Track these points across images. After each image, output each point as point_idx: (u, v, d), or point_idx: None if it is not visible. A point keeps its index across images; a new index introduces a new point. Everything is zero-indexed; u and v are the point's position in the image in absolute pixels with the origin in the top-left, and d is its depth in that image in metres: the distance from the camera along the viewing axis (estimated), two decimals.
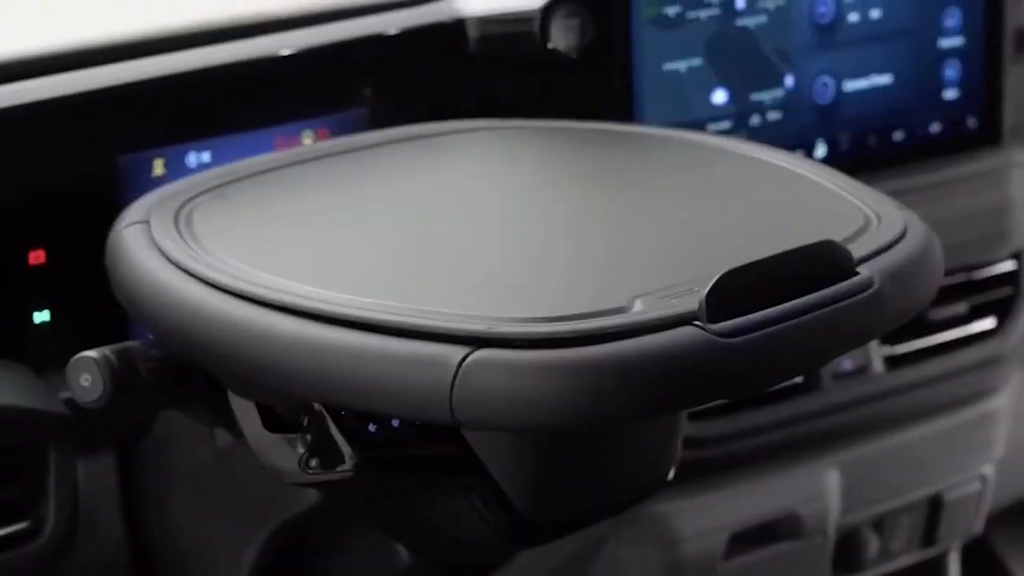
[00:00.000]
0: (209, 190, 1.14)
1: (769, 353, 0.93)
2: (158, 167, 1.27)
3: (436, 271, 1.02)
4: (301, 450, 1.06)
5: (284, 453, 1.07)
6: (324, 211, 1.14)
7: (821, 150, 1.55)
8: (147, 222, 1.08)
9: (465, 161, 1.26)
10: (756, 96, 1.51)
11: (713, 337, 0.90)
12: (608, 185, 1.21)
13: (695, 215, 1.13)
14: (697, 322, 0.90)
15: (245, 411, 1.08)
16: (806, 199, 1.16)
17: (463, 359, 0.89)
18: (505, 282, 1.00)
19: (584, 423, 0.91)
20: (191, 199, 1.12)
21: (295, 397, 1.05)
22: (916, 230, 1.08)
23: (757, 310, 0.93)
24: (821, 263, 0.98)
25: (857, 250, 1.02)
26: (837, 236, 1.03)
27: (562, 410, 0.89)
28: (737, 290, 0.93)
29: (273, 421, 1.07)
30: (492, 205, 1.16)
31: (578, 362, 0.89)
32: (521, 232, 1.09)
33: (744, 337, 0.91)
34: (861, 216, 1.09)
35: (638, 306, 0.93)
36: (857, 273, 0.99)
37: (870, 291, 0.98)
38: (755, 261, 0.95)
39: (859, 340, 1.03)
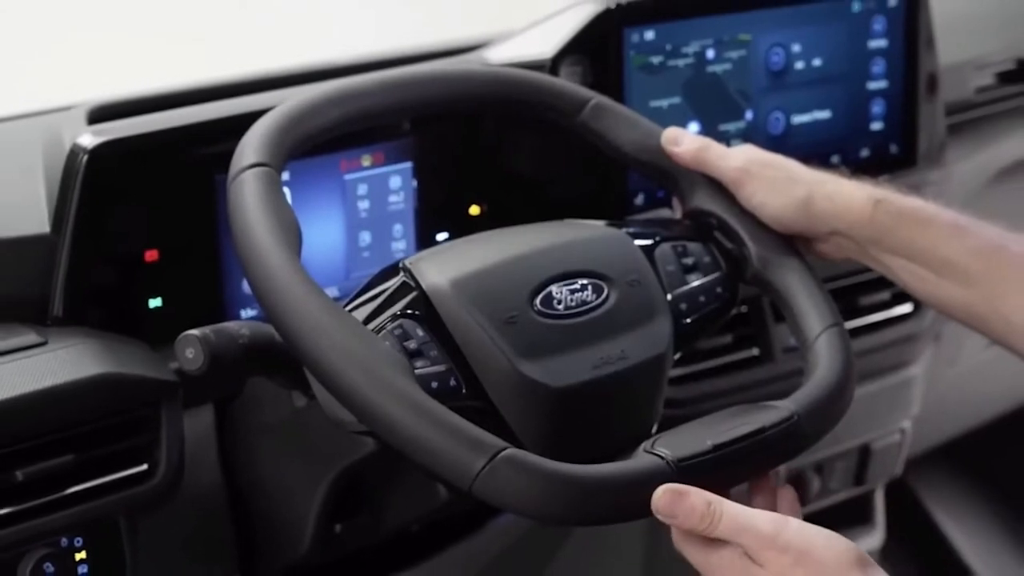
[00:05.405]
0: None
1: (713, 471, 0.98)
2: None
3: None
4: None
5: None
6: None
7: None
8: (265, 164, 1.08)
9: None
10: (723, 127, 1.50)
11: (671, 466, 0.97)
12: None
13: None
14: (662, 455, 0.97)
15: None
16: None
17: (494, 455, 0.93)
18: None
19: (568, 523, 0.97)
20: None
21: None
22: (837, 366, 1.09)
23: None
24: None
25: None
26: None
27: (554, 513, 0.94)
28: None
29: None
30: None
31: (574, 479, 0.94)
32: None
33: (694, 461, 0.97)
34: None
35: None
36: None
37: (790, 422, 1.03)
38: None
39: (782, 459, 1.06)
